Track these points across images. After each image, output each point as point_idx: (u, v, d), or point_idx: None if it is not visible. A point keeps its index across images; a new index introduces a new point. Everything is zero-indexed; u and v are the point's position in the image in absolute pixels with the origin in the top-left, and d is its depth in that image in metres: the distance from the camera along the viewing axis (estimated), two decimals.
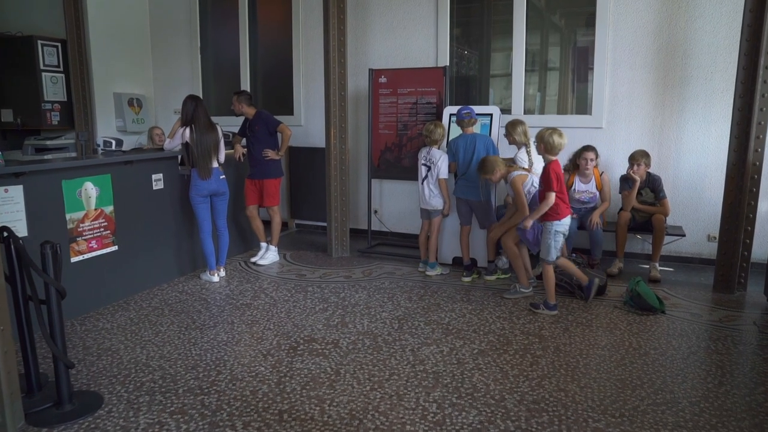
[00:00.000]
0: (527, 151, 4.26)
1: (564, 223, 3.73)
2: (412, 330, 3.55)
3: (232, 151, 5.10)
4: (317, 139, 6.21)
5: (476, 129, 4.59)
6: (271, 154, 4.96)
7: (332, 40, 5.01)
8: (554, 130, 3.71)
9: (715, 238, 4.86)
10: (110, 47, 6.57)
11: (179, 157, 4.59)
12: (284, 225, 6.58)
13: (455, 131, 4.69)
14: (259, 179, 5.03)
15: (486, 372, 2.97)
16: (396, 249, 5.53)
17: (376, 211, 6.06)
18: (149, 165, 4.39)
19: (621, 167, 5.05)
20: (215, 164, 4.51)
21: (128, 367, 3.06)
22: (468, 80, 5.91)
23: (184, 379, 2.93)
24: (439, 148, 4.55)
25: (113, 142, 4.21)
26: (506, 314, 3.80)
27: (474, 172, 4.39)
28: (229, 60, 6.77)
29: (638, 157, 4.56)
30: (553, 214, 3.70)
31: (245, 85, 6.67)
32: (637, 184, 4.55)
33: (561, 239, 3.76)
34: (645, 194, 4.66)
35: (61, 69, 6.35)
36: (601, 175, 4.72)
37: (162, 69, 7.16)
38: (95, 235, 3.93)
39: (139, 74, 7.05)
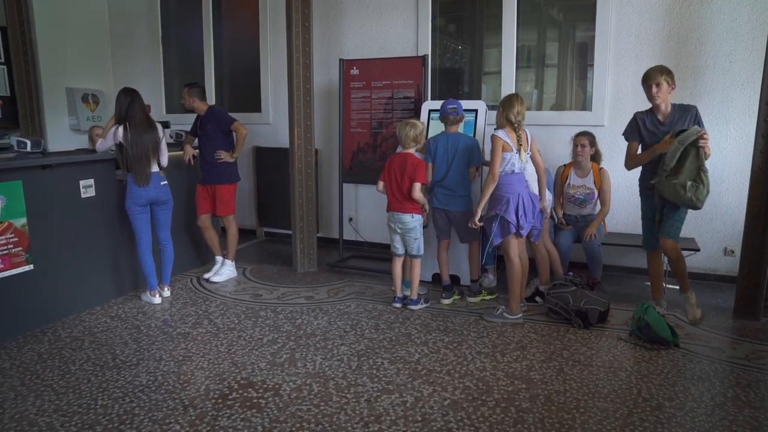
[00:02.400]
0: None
1: (389, 217, 3.80)
2: (373, 371, 2.92)
3: (182, 152, 4.48)
4: (287, 139, 5.56)
5: (460, 127, 3.97)
6: (224, 156, 4.34)
7: (294, 25, 4.38)
8: (405, 122, 3.75)
9: (733, 252, 4.24)
10: (61, 36, 5.93)
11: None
12: (251, 233, 5.98)
13: (436, 129, 4.07)
14: (210, 185, 4.40)
15: None
16: (370, 263, 4.90)
17: (351, 219, 5.44)
18: (75, 169, 3.76)
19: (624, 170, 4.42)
20: (155, 168, 3.89)
21: (8, 427, 2.44)
22: (458, 75, 5.28)
23: None
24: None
25: (28, 143, 3.59)
26: (489, 349, 3.17)
27: (454, 178, 3.77)
28: (194, 52, 6.14)
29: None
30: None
31: (209, 79, 6.05)
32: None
33: (392, 233, 3.82)
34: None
35: (2, 60, 5.73)
36: (600, 169, 4.09)
37: (122, 62, 6.53)
38: (1, 252, 3.31)
39: (96, 67, 6.41)
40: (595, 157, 4.13)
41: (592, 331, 3.39)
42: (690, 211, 4.35)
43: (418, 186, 3.68)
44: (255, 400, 2.63)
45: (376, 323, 3.56)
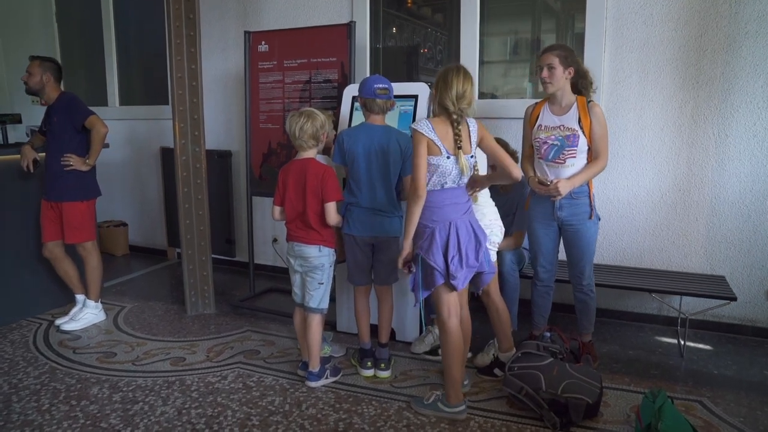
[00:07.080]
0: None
1: (288, 249, 2.64)
2: None
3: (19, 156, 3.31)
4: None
5: (392, 118, 2.79)
6: (74, 161, 3.16)
7: None
8: (297, 113, 2.55)
9: None
10: None
11: None
12: (161, 255, 4.81)
13: (359, 120, 2.86)
14: (56, 201, 3.22)
15: None
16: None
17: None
18: None
19: (626, 174, 3.23)
20: None
21: None
22: (413, 56, 4.08)
23: None
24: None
25: None
26: None
27: (381, 191, 2.58)
28: (95, 32, 4.98)
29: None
30: None
31: (110, 64, 4.90)
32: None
33: (292, 273, 2.67)
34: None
35: None
36: (588, 103, 2.56)
37: (12, 42, 5.39)
38: None
39: None
40: (582, 87, 2.63)
41: None
42: (718, 239, 3.16)
43: (332, 207, 2.50)
44: None
45: (246, 415, 2.36)
